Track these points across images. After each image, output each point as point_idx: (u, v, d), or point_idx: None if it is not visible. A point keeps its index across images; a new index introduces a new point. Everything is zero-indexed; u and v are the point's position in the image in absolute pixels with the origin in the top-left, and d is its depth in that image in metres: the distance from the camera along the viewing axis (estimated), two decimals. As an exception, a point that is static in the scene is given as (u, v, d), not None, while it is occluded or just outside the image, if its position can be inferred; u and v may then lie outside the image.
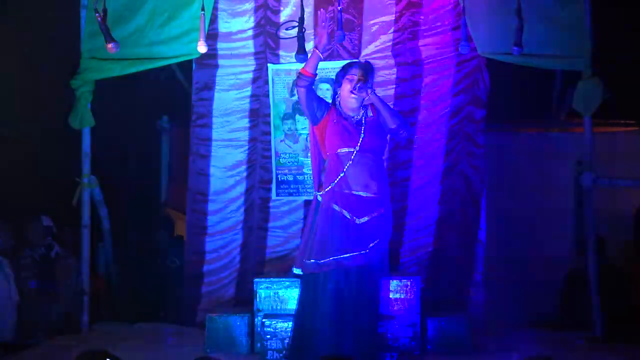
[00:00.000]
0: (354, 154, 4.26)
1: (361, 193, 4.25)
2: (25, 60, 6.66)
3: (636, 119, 7.38)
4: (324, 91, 5.98)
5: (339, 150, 4.29)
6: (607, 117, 6.74)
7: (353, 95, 4.32)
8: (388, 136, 4.59)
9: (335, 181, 4.26)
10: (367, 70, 4.43)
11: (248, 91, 6.04)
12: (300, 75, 4.33)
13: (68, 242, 6.58)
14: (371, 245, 4.21)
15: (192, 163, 6.06)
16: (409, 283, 5.02)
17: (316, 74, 4.35)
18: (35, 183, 6.67)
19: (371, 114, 4.41)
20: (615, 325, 5.80)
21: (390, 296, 5.02)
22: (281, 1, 5.98)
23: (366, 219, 4.24)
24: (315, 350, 4.11)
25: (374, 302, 4.27)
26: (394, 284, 5.03)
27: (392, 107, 4.71)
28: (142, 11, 5.73)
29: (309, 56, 5.21)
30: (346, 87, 4.36)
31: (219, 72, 6.02)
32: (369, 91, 4.27)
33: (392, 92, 5.97)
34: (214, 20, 5.91)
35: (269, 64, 5.97)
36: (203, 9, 4.99)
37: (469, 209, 5.93)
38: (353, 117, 4.37)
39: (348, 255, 4.17)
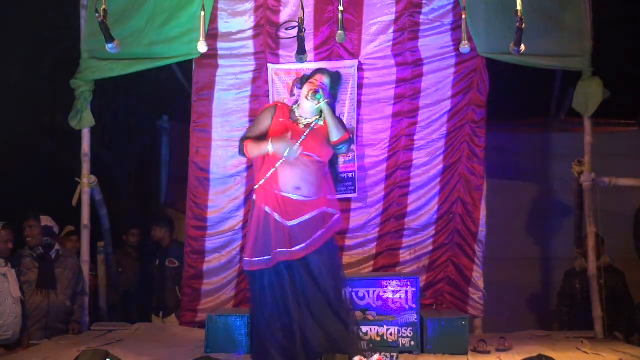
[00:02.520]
0: None
1: (291, 195, 4.27)
2: (25, 60, 6.67)
3: (636, 119, 7.38)
4: (324, 91, 5.98)
5: None
6: (607, 117, 6.73)
7: (307, 100, 4.36)
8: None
9: (267, 175, 4.28)
10: (333, 79, 4.46)
11: (248, 91, 6.03)
12: (242, 148, 4.39)
13: (69, 242, 6.61)
14: (296, 248, 4.22)
15: (192, 163, 6.06)
16: (408, 283, 5.03)
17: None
18: (35, 183, 6.67)
19: (322, 123, 4.42)
20: (615, 325, 5.81)
21: (390, 296, 5.04)
22: (281, 1, 5.97)
23: (296, 221, 4.26)
24: (268, 347, 4.16)
25: (321, 300, 4.24)
26: (393, 284, 5.05)
27: (343, 122, 4.67)
28: (142, 11, 5.73)
29: (307, 57, 5.22)
30: (304, 90, 4.41)
31: (219, 72, 6.01)
32: (320, 100, 4.29)
33: (392, 92, 5.98)
34: (214, 20, 5.90)
35: (269, 64, 5.96)
36: (203, 9, 4.98)
37: (469, 209, 5.94)
38: (305, 119, 4.39)
39: (274, 252, 4.20)
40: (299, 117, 4.40)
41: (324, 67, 4.84)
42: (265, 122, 4.41)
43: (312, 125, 4.37)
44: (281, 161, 4.26)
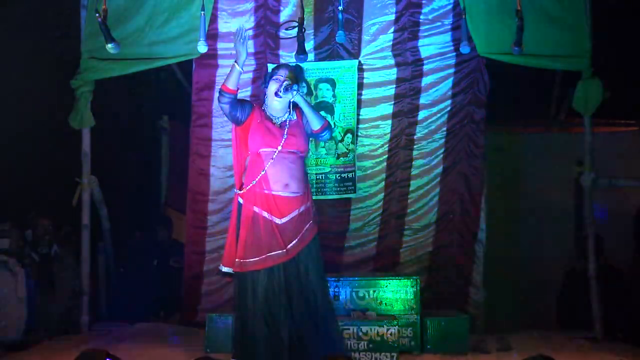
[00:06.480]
0: (275, 153, 4.27)
1: (281, 193, 4.27)
2: (25, 60, 6.66)
3: (636, 119, 7.38)
4: (324, 91, 5.99)
5: (260, 150, 4.29)
6: (607, 117, 6.73)
7: (277, 98, 4.32)
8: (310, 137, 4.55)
9: (256, 179, 4.27)
10: (296, 72, 4.45)
11: (248, 91, 6.04)
12: (221, 92, 4.31)
13: (68, 242, 6.60)
14: (289, 246, 4.23)
15: (192, 163, 6.06)
16: (408, 283, 5.03)
17: (238, 89, 4.33)
18: (35, 183, 6.67)
19: (295, 117, 4.41)
20: (615, 325, 5.81)
21: (390, 296, 5.04)
22: (281, 1, 5.99)
23: (287, 218, 4.27)
24: (257, 349, 4.14)
25: (309, 298, 4.23)
26: (394, 284, 5.05)
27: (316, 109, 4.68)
28: (142, 11, 5.73)
29: (307, 57, 5.21)
30: (272, 88, 4.37)
31: (219, 72, 6.01)
32: (294, 93, 4.28)
33: (392, 92, 5.99)
34: (214, 20, 5.91)
35: (269, 64, 5.96)
36: (203, 9, 4.99)
37: (468, 209, 5.94)
38: (278, 117, 4.38)
39: (267, 255, 4.20)
40: (271, 117, 4.38)
41: (284, 63, 4.85)
42: (245, 103, 4.40)
43: (287, 123, 4.37)
44: (269, 162, 4.25)
